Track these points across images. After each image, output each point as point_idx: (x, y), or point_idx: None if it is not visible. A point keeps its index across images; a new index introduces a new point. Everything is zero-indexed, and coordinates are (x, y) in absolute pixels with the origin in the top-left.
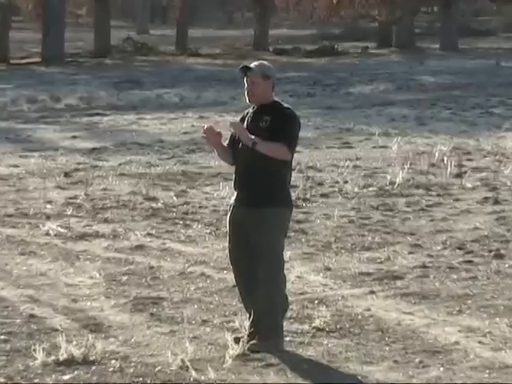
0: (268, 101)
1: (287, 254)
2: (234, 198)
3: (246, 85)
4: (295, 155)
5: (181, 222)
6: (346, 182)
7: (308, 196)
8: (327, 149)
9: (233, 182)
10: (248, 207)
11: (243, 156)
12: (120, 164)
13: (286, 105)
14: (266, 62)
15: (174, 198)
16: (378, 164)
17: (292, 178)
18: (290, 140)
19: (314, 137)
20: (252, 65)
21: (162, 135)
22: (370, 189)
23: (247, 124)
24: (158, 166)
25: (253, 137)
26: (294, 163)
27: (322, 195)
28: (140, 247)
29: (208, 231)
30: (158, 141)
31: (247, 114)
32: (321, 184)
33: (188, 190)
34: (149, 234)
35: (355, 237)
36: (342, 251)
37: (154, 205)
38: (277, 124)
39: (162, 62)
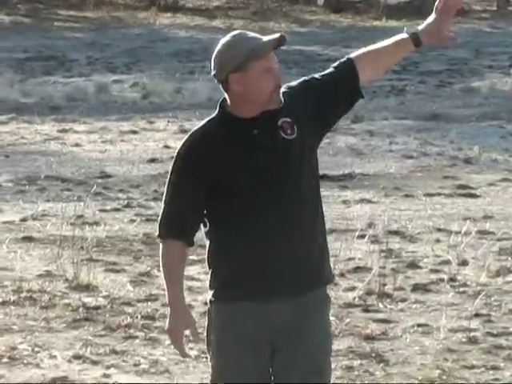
0: None
1: None
2: (238, 288)
3: (270, 67)
4: (364, 209)
5: (141, 334)
6: (462, 262)
7: (389, 288)
8: (427, 197)
9: (246, 257)
10: (298, 295)
11: (278, 200)
12: (24, 219)
13: None
14: None
15: (129, 286)
16: None
17: (357, 254)
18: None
19: (402, 174)
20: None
21: (106, 164)
22: (510, 277)
23: (258, 150)
24: (98, 223)
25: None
26: (363, 223)
27: (417, 288)
28: (62, 382)
29: (194, 353)
30: (100, 175)
31: (218, 140)
32: (414, 265)
33: (155, 271)
34: (78, 357)
35: (481, 371)
36: None
37: (88, 300)
38: (317, 99)
39: (107, 23)
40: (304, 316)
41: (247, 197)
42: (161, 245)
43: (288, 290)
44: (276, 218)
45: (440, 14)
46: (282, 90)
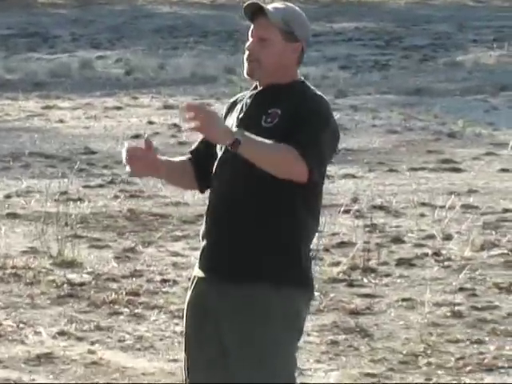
0: (286, 79)
1: (329, 378)
2: (199, 263)
3: (248, 41)
4: (348, 184)
5: (126, 311)
6: (447, 237)
7: (373, 263)
8: (411, 172)
9: (202, 230)
10: (231, 282)
11: (228, 179)
12: (8, 195)
13: (315, 90)
14: (296, 8)
15: (114, 262)
16: (511, 203)
17: (342, 228)
18: (315, 152)
19: (386, 148)
20: (269, 6)
21: (90, 140)
22: (494, 251)
23: (238, 120)
24: (82, 200)
25: (234, 129)
26: (347, 198)
27: (401, 262)
28: (46, 358)
29: (179, 329)
30: (84, 151)
31: (240, 101)
32: (398, 240)
33: (140, 247)
34: (62, 334)
35: (466, 345)
36: (439, 372)
37: (72, 276)
38: (292, 122)
39: None
40: (248, 316)
41: (215, 168)
42: None
43: (224, 272)
44: (223, 198)
45: None
46: (312, 89)
